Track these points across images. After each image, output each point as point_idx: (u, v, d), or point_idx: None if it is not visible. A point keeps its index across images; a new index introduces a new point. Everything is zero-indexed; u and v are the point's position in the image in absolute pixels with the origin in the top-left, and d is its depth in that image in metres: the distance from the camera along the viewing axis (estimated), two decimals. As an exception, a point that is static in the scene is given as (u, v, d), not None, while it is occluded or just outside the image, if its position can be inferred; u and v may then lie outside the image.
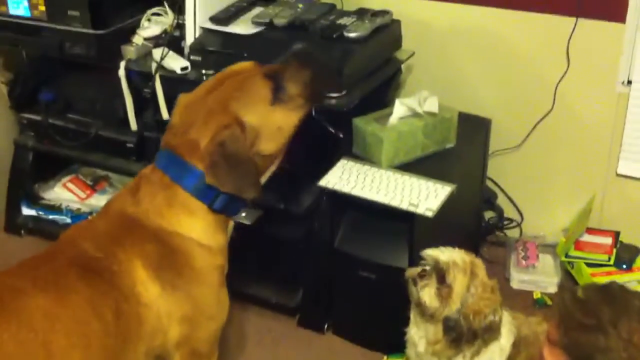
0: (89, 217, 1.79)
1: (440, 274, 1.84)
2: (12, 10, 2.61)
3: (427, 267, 1.87)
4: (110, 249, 1.63)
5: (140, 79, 2.57)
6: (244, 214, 2.49)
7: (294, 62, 1.82)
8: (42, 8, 2.55)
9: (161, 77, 2.44)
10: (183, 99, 1.81)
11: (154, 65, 2.45)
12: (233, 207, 1.77)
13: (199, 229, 1.71)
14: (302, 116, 1.81)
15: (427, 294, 1.85)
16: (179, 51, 2.50)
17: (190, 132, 1.72)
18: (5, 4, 2.61)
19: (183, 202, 1.70)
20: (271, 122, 1.76)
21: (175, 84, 2.46)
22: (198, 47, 2.42)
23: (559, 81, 2.57)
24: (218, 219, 1.75)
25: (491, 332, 1.84)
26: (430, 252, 1.88)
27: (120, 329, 1.58)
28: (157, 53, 2.47)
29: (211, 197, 1.71)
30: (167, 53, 2.45)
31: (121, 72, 2.52)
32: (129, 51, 2.53)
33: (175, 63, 2.43)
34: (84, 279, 1.57)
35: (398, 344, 2.33)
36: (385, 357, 2.34)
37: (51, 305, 1.50)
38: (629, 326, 1.47)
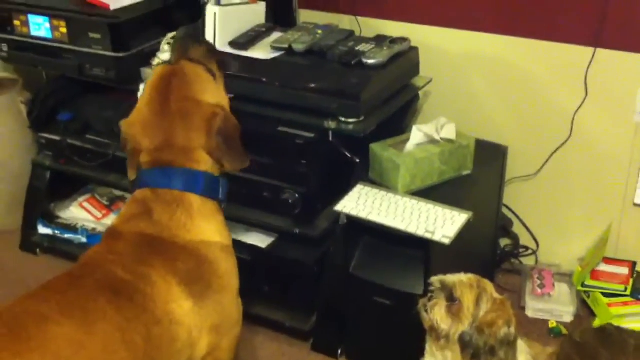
0: (104, 242, 1.75)
1: (449, 293, 1.84)
2: (34, 32, 2.65)
3: (434, 290, 1.87)
4: (141, 270, 1.62)
5: (159, 101, 2.58)
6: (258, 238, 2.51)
7: (191, 44, 1.89)
8: (64, 30, 2.59)
9: (180, 100, 2.45)
10: (130, 122, 1.82)
11: (172, 88, 2.47)
12: (226, 195, 1.85)
13: (218, 230, 1.76)
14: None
15: (438, 313, 1.85)
16: (198, 74, 2.51)
17: (176, 142, 1.74)
18: (27, 25, 2.65)
19: (200, 209, 1.73)
20: (224, 97, 1.88)
21: (194, 107, 2.47)
22: (217, 70, 2.44)
23: (577, 110, 2.57)
24: (223, 215, 1.81)
25: (508, 346, 1.82)
26: (436, 277, 1.89)
27: (149, 354, 1.56)
28: (176, 76, 2.49)
29: (218, 190, 1.77)
30: (186, 76, 2.46)
31: (140, 94, 2.53)
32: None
33: (194, 86, 2.44)
34: (113, 303, 1.54)
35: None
36: (398, 385, 2.33)
37: (77, 333, 1.47)
38: None
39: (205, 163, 1.75)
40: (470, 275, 1.89)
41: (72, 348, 1.45)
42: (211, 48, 1.96)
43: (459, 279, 1.87)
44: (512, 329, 1.81)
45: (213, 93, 1.83)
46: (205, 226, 1.73)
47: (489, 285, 1.88)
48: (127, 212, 1.77)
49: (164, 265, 1.64)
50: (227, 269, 1.75)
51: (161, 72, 1.84)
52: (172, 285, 1.63)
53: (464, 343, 1.82)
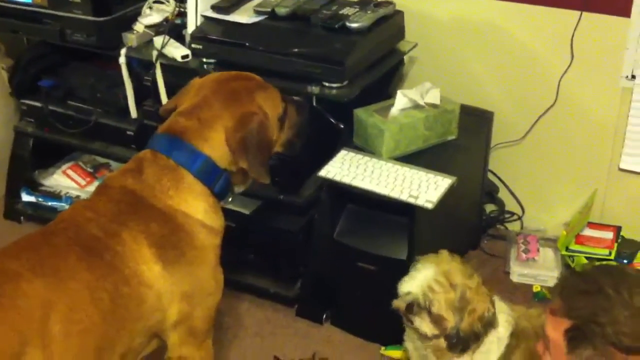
0: (89, 197, 1.77)
1: (427, 308, 1.85)
2: (14, -4, 2.60)
3: (412, 303, 1.86)
4: (114, 228, 1.63)
5: (141, 67, 2.56)
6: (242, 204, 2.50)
7: (295, 106, 1.94)
8: (44, -6, 2.54)
9: (162, 65, 2.43)
10: (195, 80, 1.86)
11: (154, 53, 2.44)
12: (226, 191, 1.82)
13: (203, 210, 1.74)
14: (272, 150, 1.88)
15: (424, 325, 1.86)
16: (180, 39, 2.49)
17: (202, 112, 1.75)
18: (6, -11, 2.61)
19: (189, 185, 1.72)
20: (273, 131, 1.85)
21: (176, 73, 2.45)
22: (199, 35, 2.41)
23: (563, 75, 2.55)
24: (217, 201, 1.79)
25: (491, 325, 1.85)
26: (405, 288, 1.88)
27: (117, 312, 1.58)
28: (158, 41, 2.46)
29: (213, 181, 1.75)
30: (168, 41, 2.44)
31: (122, 60, 2.51)
32: (130, 39, 2.52)
33: (176, 51, 2.42)
34: (83, 261, 1.56)
35: (396, 335, 2.33)
36: (383, 349, 2.34)
37: (48, 292, 1.50)
38: (630, 291, 1.49)
39: (214, 148, 1.74)
40: (436, 270, 1.86)
41: (44, 307, 1.48)
42: (298, 131, 1.96)
43: (427, 286, 1.84)
44: (491, 312, 1.84)
45: (271, 111, 1.82)
46: (190, 201, 1.72)
47: (457, 275, 1.85)
48: (124, 167, 1.78)
49: (137, 224, 1.65)
50: (205, 245, 1.74)
51: (253, 75, 1.88)
52: (143, 246, 1.63)
53: (452, 343, 1.84)
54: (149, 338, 1.71)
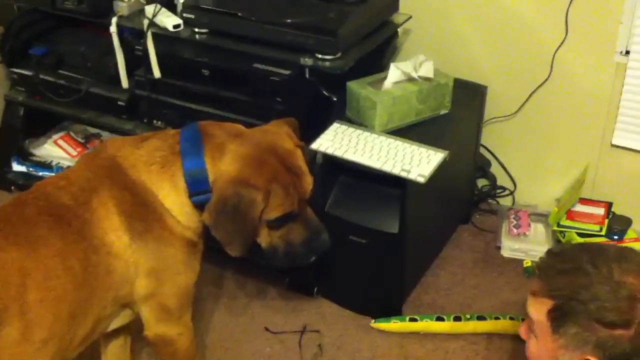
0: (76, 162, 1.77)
1: None
2: (3, -37, 2.57)
3: None
4: (84, 196, 1.63)
5: (132, 36, 2.53)
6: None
7: (307, 230, 1.84)
8: (34, -39, 2.51)
9: (153, 34, 2.40)
10: (280, 121, 1.85)
11: (146, 22, 2.41)
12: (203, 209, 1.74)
13: (173, 202, 1.69)
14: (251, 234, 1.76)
15: None
16: (172, 8, 2.46)
17: (234, 139, 1.70)
18: (-4, -44, 2.57)
19: (174, 174, 1.68)
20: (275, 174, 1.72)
21: (168, 42, 2.43)
22: (191, 4, 2.38)
23: (557, 49, 2.53)
24: (193, 207, 1.72)
25: None
26: None
27: (88, 280, 1.59)
28: (149, 10, 2.44)
29: (195, 190, 1.68)
30: (159, 10, 2.41)
31: (113, 29, 2.48)
32: (121, 7, 2.49)
33: (168, 20, 2.39)
34: (54, 229, 1.57)
35: (386, 308, 2.34)
36: (373, 321, 2.34)
37: (23, 260, 1.51)
38: (608, 266, 1.50)
39: (217, 169, 1.67)
40: None
41: (19, 274, 1.49)
42: (297, 241, 1.86)
43: None
44: None
45: (271, 204, 1.70)
46: (166, 188, 1.68)
47: None
48: (141, 134, 1.77)
49: (107, 190, 1.64)
50: (174, 230, 1.69)
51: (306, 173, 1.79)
52: (112, 214, 1.63)
53: None
54: (119, 308, 1.71)
